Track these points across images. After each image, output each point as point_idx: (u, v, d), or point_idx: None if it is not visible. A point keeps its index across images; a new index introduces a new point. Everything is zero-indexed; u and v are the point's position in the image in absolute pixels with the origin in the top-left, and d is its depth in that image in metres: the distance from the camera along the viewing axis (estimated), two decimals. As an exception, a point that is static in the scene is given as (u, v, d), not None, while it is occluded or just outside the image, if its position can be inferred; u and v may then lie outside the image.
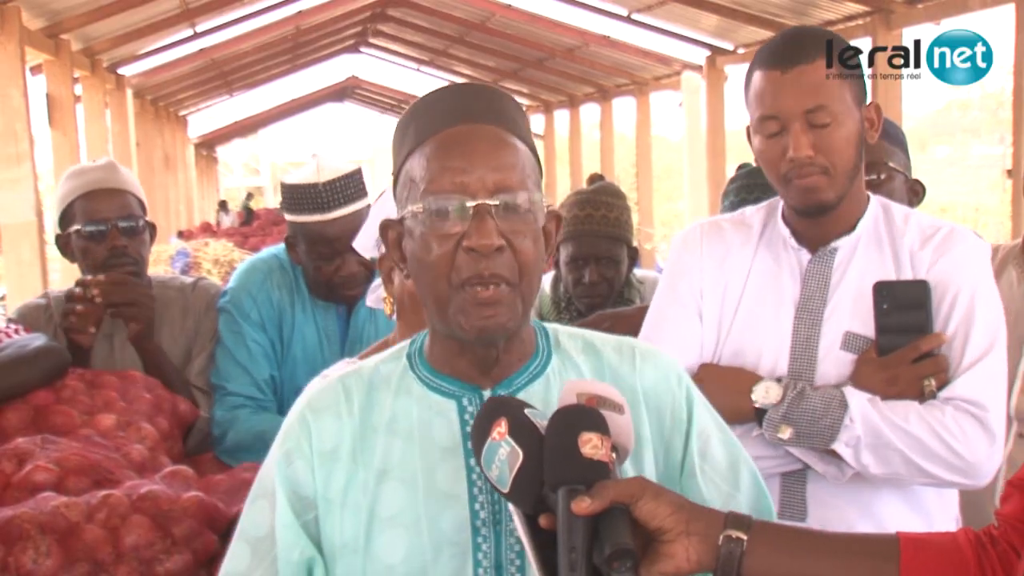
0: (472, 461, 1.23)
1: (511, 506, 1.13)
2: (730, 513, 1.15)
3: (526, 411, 1.14)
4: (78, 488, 1.85)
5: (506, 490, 1.11)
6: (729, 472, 1.32)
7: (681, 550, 1.11)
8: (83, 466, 1.91)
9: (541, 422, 1.13)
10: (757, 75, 1.74)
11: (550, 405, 1.20)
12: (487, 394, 1.26)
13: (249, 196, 21.14)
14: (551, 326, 1.34)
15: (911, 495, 1.76)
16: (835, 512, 1.70)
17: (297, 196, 2.43)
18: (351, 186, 2.45)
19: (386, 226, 1.29)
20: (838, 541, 1.19)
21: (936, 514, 1.79)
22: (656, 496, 1.11)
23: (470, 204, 1.18)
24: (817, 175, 1.68)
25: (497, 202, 1.18)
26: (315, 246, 2.43)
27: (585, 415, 1.12)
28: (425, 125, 1.23)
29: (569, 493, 1.07)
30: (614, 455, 1.12)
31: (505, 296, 1.19)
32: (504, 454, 1.10)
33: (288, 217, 2.50)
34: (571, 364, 1.30)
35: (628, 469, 1.25)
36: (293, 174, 2.53)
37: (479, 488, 1.23)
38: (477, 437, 1.14)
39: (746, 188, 2.45)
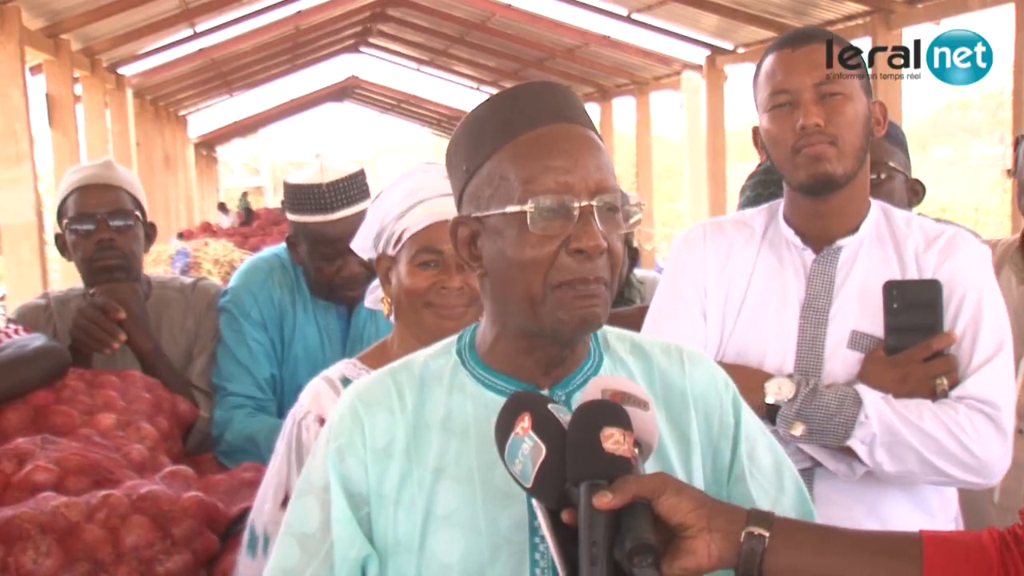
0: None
1: (534, 501, 1.13)
2: (752, 509, 1.15)
3: (549, 406, 1.14)
4: (78, 488, 1.85)
5: (529, 485, 1.11)
6: (775, 476, 1.32)
7: (703, 546, 1.11)
8: (83, 466, 1.91)
9: (564, 417, 1.13)
10: (767, 59, 1.77)
11: None
12: (546, 393, 1.25)
13: (245, 195, 21.11)
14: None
15: (916, 494, 1.77)
16: (842, 510, 1.71)
17: (300, 196, 2.43)
18: (354, 187, 2.44)
19: (457, 223, 1.26)
20: (860, 539, 1.18)
21: (938, 513, 1.80)
22: (678, 492, 1.11)
23: (576, 205, 1.17)
24: (826, 145, 1.70)
25: (600, 203, 1.18)
26: (317, 246, 2.43)
27: (608, 410, 1.12)
28: (512, 123, 1.21)
29: (591, 488, 1.07)
30: (637, 451, 1.12)
31: (603, 293, 1.19)
32: (527, 449, 1.11)
33: (290, 217, 2.49)
34: (622, 365, 1.30)
35: (678, 471, 1.25)
36: (296, 174, 2.52)
37: None
38: (501, 432, 1.14)
39: (763, 183, 2.45)
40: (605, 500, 1.06)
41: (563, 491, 1.11)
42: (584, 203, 1.17)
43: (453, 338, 1.33)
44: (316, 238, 2.42)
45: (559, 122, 1.20)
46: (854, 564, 1.14)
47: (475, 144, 1.24)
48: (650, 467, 1.20)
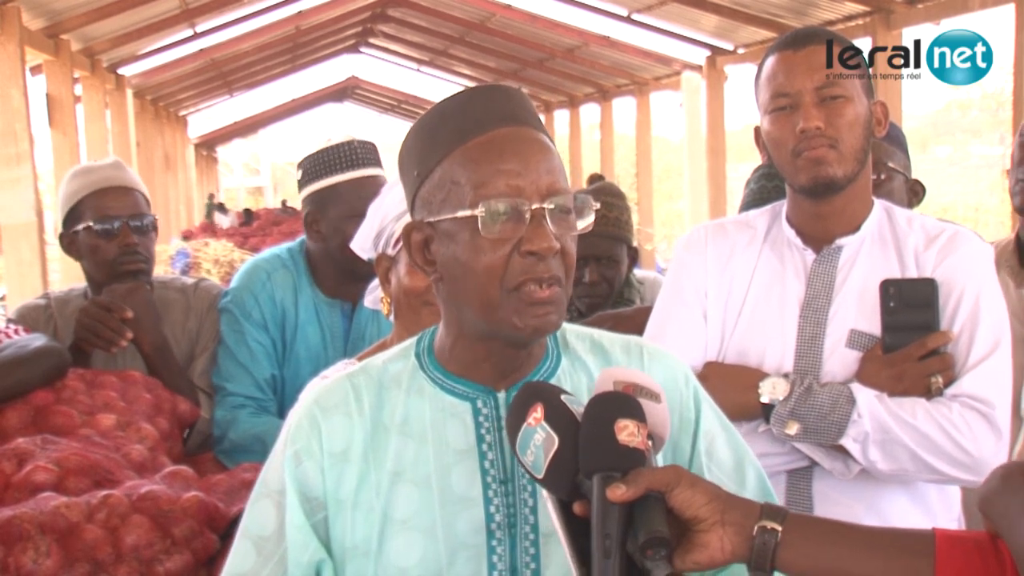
0: (487, 463, 1.22)
1: (544, 492, 1.13)
2: (765, 504, 1.15)
3: (562, 397, 1.13)
4: (78, 488, 1.85)
5: (541, 476, 1.11)
6: (735, 472, 1.32)
7: (715, 540, 1.11)
8: (83, 466, 1.90)
9: (577, 408, 1.13)
10: (768, 60, 1.77)
11: None
12: (501, 396, 1.25)
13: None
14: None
15: (916, 492, 1.77)
16: (841, 509, 1.71)
17: (329, 157, 2.42)
18: (376, 152, 2.48)
19: (410, 228, 1.26)
20: (873, 535, 1.18)
21: (939, 511, 1.80)
22: (692, 485, 1.11)
23: (527, 208, 1.17)
24: (826, 148, 1.70)
25: (552, 205, 1.17)
26: (350, 204, 2.36)
27: (622, 402, 1.12)
28: (462, 127, 1.20)
29: (604, 480, 1.07)
30: (650, 443, 1.12)
31: (558, 295, 1.19)
32: (540, 440, 1.10)
33: (315, 186, 2.45)
34: (580, 364, 1.30)
35: None
36: (315, 146, 2.51)
37: (494, 491, 1.23)
38: (513, 422, 1.14)
39: (767, 176, 2.45)
40: (619, 492, 1.06)
41: (575, 483, 1.10)
42: (535, 206, 1.17)
43: (412, 341, 1.33)
44: (349, 197, 2.38)
45: (509, 125, 1.20)
46: (866, 559, 1.14)
47: (426, 149, 1.23)
48: None
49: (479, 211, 1.16)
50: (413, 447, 1.24)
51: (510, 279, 1.17)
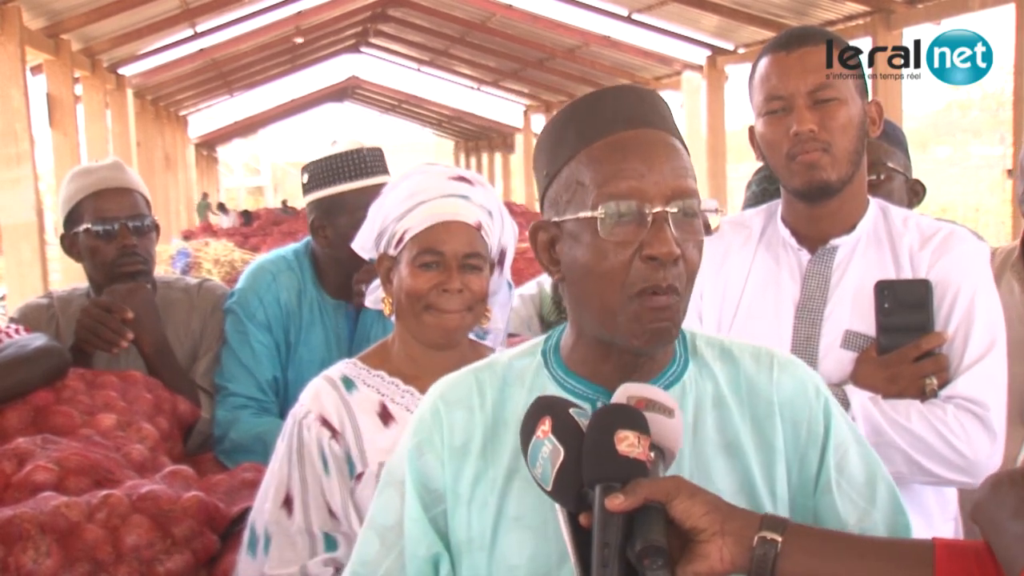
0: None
1: (556, 505, 1.14)
2: (766, 515, 1.14)
3: (571, 411, 1.14)
4: (78, 488, 1.85)
5: (549, 488, 1.12)
6: (866, 487, 1.27)
7: (715, 550, 1.10)
8: (83, 466, 1.91)
9: (583, 421, 1.13)
10: (762, 62, 1.77)
11: (684, 413, 1.19)
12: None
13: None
14: (689, 331, 1.31)
15: (911, 494, 1.76)
16: None
17: (337, 164, 2.41)
18: (383, 159, 2.46)
19: (536, 228, 1.24)
20: (873, 545, 1.18)
21: (936, 513, 1.79)
22: (691, 496, 1.11)
23: (650, 210, 1.15)
24: (819, 152, 1.70)
25: (675, 209, 1.15)
26: (358, 214, 2.35)
27: (624, 414, 1.12)
28: (590, 127, 1.19)
29: (604, 490, 1.08)
30: (652, 455, 1.12)
31: (675, 304, 1.17)
32: (547, 452, 1.11)
33: (322, 193, 2.43)
34: (708, 372, 1.27)
35: (758, 479, 1.22)
36: (321, 153, 2.49)
37: None
38: (524, 435, 1.14)
39: (768, 178, 2.44)
40: (617, 502, 1.06)
41: (581, 494, 1.11)
42: (658, 208, 1.14)
43: (541, 338, 1.32)
44: (357, 205, 2.30)
45: (638, 127, 1.18)
46: (866, 570, 1.14)
47: (555, 149, 1.22)
48: (726, 473, 1.20)
49: (599, 212, 1.15)
50: None
51: (630, 285, 1.15)
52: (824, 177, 1.71)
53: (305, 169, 2.50)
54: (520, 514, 1.22)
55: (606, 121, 1.19)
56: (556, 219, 1.21)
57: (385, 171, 2.43)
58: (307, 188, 2.50)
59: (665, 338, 1.18)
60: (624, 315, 1.16)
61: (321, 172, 2.44)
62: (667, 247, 1.14)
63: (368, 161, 2.41)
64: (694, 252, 1.18)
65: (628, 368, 1.23)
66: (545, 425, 1.12)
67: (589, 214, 1.16)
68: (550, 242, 1.24)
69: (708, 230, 1.21)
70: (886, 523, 1.26)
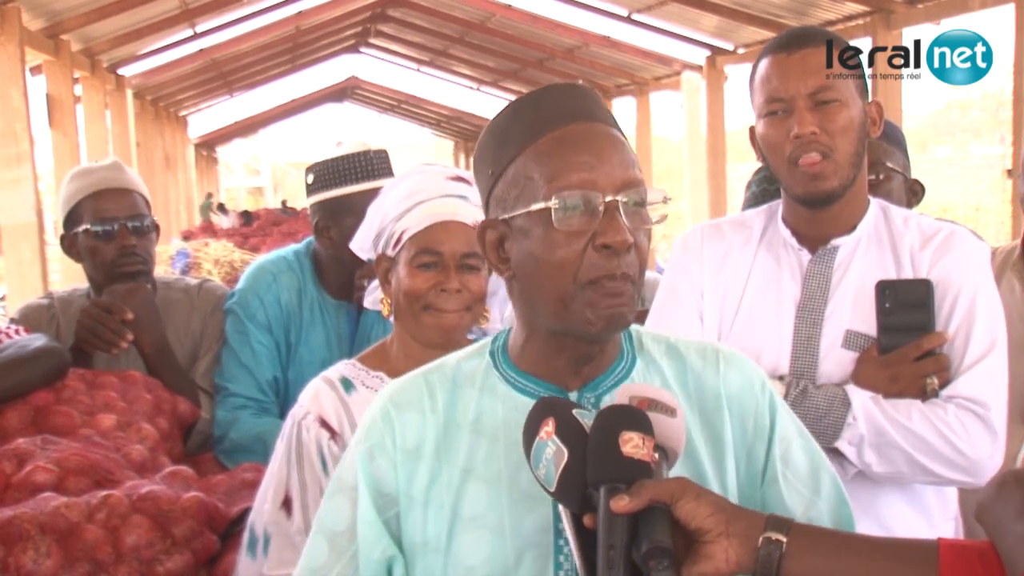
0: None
1: (560, 506, 1.14)
2: (770, 515, 1.15)
3: (574, 412, 1.14)
4: (78, 488, 1.85)
5: (552, 489, 1.12)
6: (810, 478, 1.30)
7: (720, 551, 1.11)
8: (83, 466, 1.91)
9: (588, 422, 1.13)
10: (763, 63, 1.77)
11: None
12: (573, 396, 1.25)
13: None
14: (634, 328, 1.32)
15: (912, 494, 1.77)
16: None
17: (343, 166, 2.42)
18: (388, 162, 2.46)
19: (484, 227, 1.26)
20: (877, 545, 1.18)
21: (936, 513, 1.80)
22: (696, 497, 1.11)
23: (601, 200, 1.17)
24: (820, 159, 1.70)
25: (626, 198, 1.18)
26: (362, 215, 2.36)
27: (628, 415, 1.12)
28: (536, 123, 1.21)
29: (609, 491, 1.08)
30: (657, 456, 1.12)
31: (630, 291, 1.19)
32: (551, 453, 1.11)
33: (327, 195, 2.44)
34: (655, 368, 1.29)
35: (709, 473, 1.24)
36: (325, 155, 2.49)
37: None
38: (527, 436, 1.15)
39: (768, 179, 2.44)
40: (622, 503, 1.07)
41: (585, 495, 1.11)
42: (609, 198, 1.17)
43: (488, 339, 1.33)
44: (363, 208, 2.35)
45: (582, 121, 1.20)
46: (871, 570, 1.14)
47: (499, 147, 1.24)
48: (680, 468, 1.20)
49: (553, 203, 1.16)
50: (485, 445, 1.24)
51: (584, 274, 1.17)
52: (826, 187, 1.72)
53: (310, 170, 2.50)
54: (476, 515, 1.22)
55: (551, 116, 1.21)
56: (504, 216, 1.22)
57: (390, 173, 2.44)
58: (312, 189, 2.50)
59: (620, 323, 1.20)
60: (578, 303, 1.18)
61: (327, 173, 2.44)
62: (621, 235, 1.16)
63: (374, 163, 2.42)
64: (645, 240, 1.20)
65: (580, 362, 1.25)
66: (548, 426, 1.12)
67: (542, 205, 1.17)
68: (498, 240, 1.25)
69: (653, 220, 1.22)
70: (831, 513, 1.29)
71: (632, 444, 1.10)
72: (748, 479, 1.28)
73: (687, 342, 1.33)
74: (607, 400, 1.23)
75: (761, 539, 1.12)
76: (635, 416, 1.12)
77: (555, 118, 1.20)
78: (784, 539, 1.12)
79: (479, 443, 1.24)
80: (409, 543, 1.24)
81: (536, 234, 1.19)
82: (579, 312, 1.18)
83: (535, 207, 1.18)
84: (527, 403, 1.22)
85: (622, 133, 1.24)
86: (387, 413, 1.27)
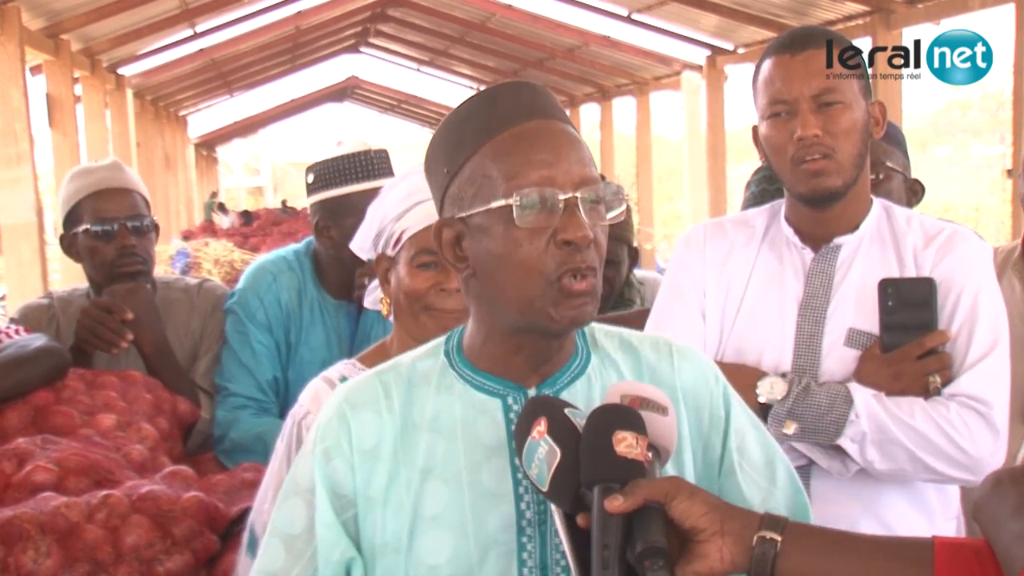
0: (517, 460, 1.22)
1: (552, 506, 1.14)
2: (765, 514, 1.15)
3: (566, 411, 1.14)
4: (78, 488, 1.85)
5: (545, 489, 1.12)
6: (766, 469, 1.32)
7: (715, 550, 1.11)
8: (83, 466, 1.91)
9: (580, 422, 1.13)
10: (766, 63, 1.77)
11: (592, 404, 1.19)
12: (531, 392, 1.25)
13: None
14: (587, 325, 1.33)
15: (914, 492, 1.77)
16: (839, 508, 1.71)
17: (344, 166, 2.42)
18: (389, 161, 2.46)
19: (440, 225, 1.26)
20: (872, 544, 1.19)
21: (938, 511, 1.80)
22: (691, 496, 1.11)
23: (561, 197, 1.17)
24: (823, 160, 1.70)
25: (584, 195, 1.18)
26: (363, 215, 2.36)
27: (621, 414, 1.12)
28: (492, 121, 1.21)
29: (603, 491, 1.08)
30: (650, 455, 1.12)
31: (593, 287, 1.19)
32: (543, 453, 1.11)
33: (328, 194, 2.44)
34: (610, 363, 1.30)
35: (668, 468, 1.24)
36: (326, 155, 2.49)
37: (524, 487, 1.22)
38: (519, 436, 1.15)
39: (767, 179, 2.45)
40: (616, 503, 1.07)
41: (578, 495, 1.11)
42: (568, 195, 1.17)
43: (441, 339, 1.33)
44: (363, 208, 2.35)
45: (538, 118, 1.21)
46: (866, 569, 1.14)
47: (455, 145, 1.23)
48: None
49: (513, 200, 1.16)
50: (443, 444, 1.24)
51: (548, 272, 1.17)
52: (829, 185, 1.72)
53: (310, 169, 2.50)
54: (436, 514, 1.22)
55: (507, 114, 1.21)
56: (461, 214, 1.22)
57: (391, 173, 2.44)
58: (312, 189, 2.50)
59: (586, 319, 1.21)
60: (543, 301, 1.18)
61: (327, 173, 2.44)
62: (582, 231, 1.16)
63: (375, 163, 2.42)
64: (603, 237, 1.21)
65: (539, 359, 1.25)
66: (541, 426, 1.12)
67: (502, 203, 1.17)
68: (455, 239, 1.24)
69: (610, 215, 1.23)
70: (787, 502, 1.31)
71: (626, 444, 1.10)
72: (705, 471, 1.30)
73: (641, 336, 1.34)
74: (564, 396, 1.23)
75: (756, 538, 1.12)
76: (628, 415, 1.12)
77: (511, 116, 1.21)
78: (779, 538, 1.12)
79: (437, 442, 1.24)
80: (368, 544, 1.23)
81: (496, 232, 1.18)
82: (544, 310, 1.18)
83: (494, 205, 1.18)
84: (485, 401, 1.23)
85: (576, 130, 1.25)
86: (343, 413, 1.26)
